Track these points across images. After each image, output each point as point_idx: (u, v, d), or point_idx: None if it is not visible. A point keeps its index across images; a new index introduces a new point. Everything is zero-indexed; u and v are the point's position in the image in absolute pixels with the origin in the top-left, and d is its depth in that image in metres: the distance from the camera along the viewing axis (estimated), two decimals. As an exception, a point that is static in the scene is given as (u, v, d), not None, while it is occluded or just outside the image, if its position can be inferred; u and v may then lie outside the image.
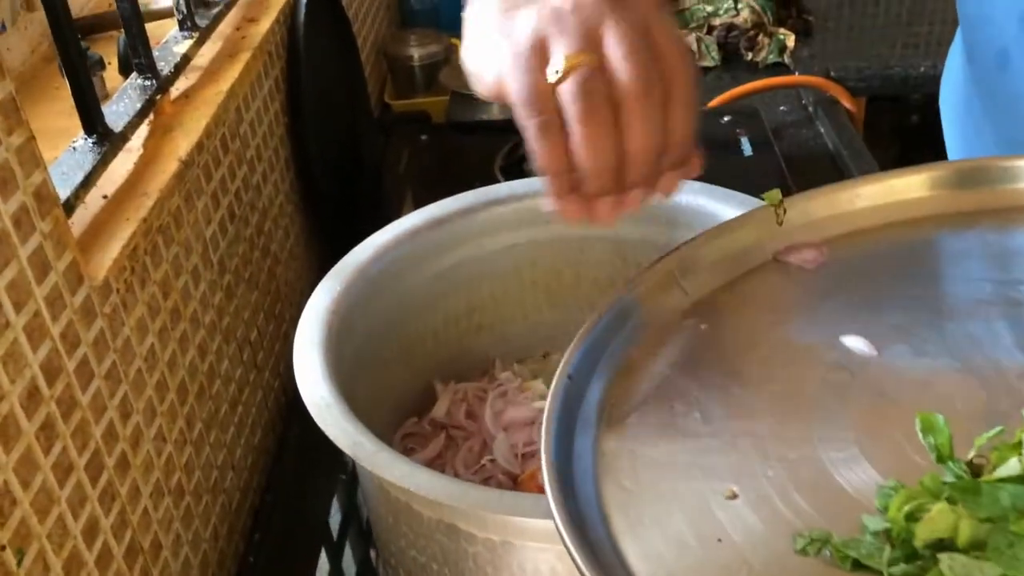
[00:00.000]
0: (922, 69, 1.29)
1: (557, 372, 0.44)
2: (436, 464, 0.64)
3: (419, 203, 0.69)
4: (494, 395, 0.67)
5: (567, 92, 0.43)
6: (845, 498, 0.37)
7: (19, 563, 0.45)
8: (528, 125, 0.44)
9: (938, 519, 0.34)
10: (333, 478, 0.75)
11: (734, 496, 0.38)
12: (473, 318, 0.69)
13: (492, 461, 0.62)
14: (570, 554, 0.36)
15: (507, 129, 1.13)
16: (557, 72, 0.43)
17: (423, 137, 1.17)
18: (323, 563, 0.69)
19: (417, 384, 0.68)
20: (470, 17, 0.50)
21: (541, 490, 0.58)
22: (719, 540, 0.36)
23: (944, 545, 0.34)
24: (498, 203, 0.67)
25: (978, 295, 0.46)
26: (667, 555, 0.36)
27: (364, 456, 0.46)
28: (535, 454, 0.62)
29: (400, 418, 0.68)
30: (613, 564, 0.36)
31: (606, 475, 0.40)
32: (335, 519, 0.72)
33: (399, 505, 0.49)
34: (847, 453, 0.39)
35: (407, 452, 0.65)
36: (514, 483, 0.61)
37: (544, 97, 0.43)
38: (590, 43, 0.43)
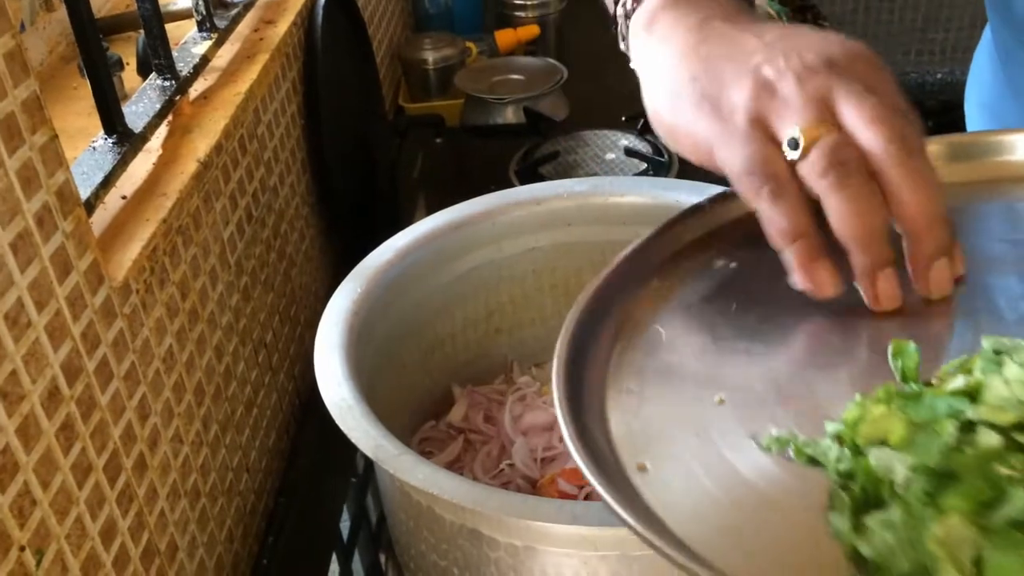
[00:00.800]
0: (938, 75, 1.29)
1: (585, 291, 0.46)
2: (454, 468, 0.63)
3: (433, 206, 0.69)
4: (512, 399, 0.66)
5: (814, 165, 0.39)
6: (821, 412, 0.39)
7: (38, 564, 0.44)
8: (757, 195, 0.40)
9: (879, 421, 0.37)
10: (345, 481, 0.75)
11: (722, 402, 0.41)
12: (492, 322, 0.69)
13: (511, 466, 0.62)
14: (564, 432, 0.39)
15: (521, 133, 1.14)
16: (796, 148, 0.40)
17: (437, 140, 1.17)
18: (333, 566, 0.69)
19: (435, 387, 0.68)
20: (639, 57, 0.47)
21: (561, 495, 0.58)
22: (697, 435, 0.39)
23: (883, 444, 0.37)
24: (517, 206, 0.67)
25: (991, 253, 0.47)
26: (652, 444, 0.39)
27: (387, 459, 0.46)
28: (554, 459, 0.62)
29: (418, 421, 0.67)
30: (599, 441, 0.39)
31: (612, 380, 0.43)
32: (345, 523, 0.72)
33: (420, 509, 0.49)
34: (836, 380, 0.41)
35: (424, 456, 0.64)
36: (533, 488, 0.61)
37: (773, 163, 0.40)
38: (824, 114, 0.40)
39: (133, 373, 0.54)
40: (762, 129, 0.41)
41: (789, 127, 0.40)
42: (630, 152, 1.03)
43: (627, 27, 0.49)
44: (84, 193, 0.54)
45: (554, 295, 0.70)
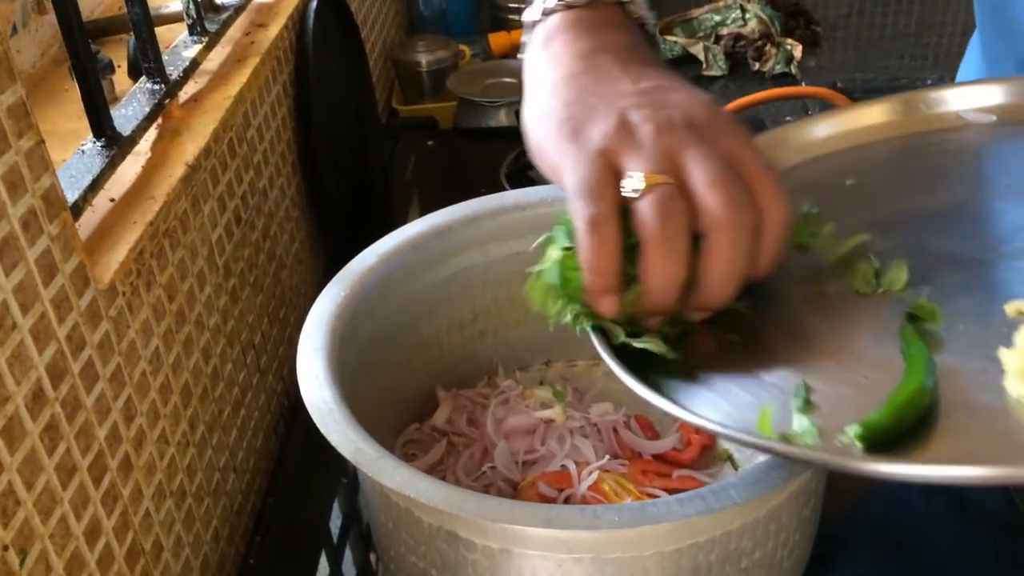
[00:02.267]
0: (929, 82, 1.30)
1: None
2: (437, 471, 0.64)
3: (425, 208, 0.70)
4: (496, 402, 0.67)
5: (648, 207, 0.41)
6: None
7: (22, 563, 0.45)
8: (580, 217, 0.42)
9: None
10: (334, 481, 0.75)
11: None
12: (476, 325, 0.69)
13: (493, 468, 0.62)
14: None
15: (513, 136, 1.14)
16: (636, 190, 0.42)
17: (430, 143, 1.18)
18: (323, 566, 0.69)
19: (419, 390, 0.69)
20: (529, 70, 0.50)
21: (541, 498, 0.59)
22: None
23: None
24: (503, 211, 0.67)
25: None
26: None
27: (365, 462, 0.47)
28: (536, 462, 0.63)
29: (402, 424, 0.68)
30: None
31: None
32: (335, 522, 0.73)
33: (399, 511, 0.49)
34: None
35: (408, 458, 0.65)
36: (514, 490, 0.61)
37: (604, 191, 0.42)
38: (668, 166, 0.42)
39: (119, 375, 0.55)
40: (607, 161, 0.43)
41: (634, 169, 0.42)
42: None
43: (536, 20, 0.52)
44: (72, 196, 0.54)
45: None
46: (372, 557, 0.69)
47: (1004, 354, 0.41)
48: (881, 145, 0.59)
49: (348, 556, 0.71)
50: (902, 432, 0.39)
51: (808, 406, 0.42)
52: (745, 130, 0.45)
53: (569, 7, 0.51)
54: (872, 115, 0.60)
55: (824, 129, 0.59)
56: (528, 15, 0.53)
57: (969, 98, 0.59)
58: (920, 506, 0.67)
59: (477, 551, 0.46)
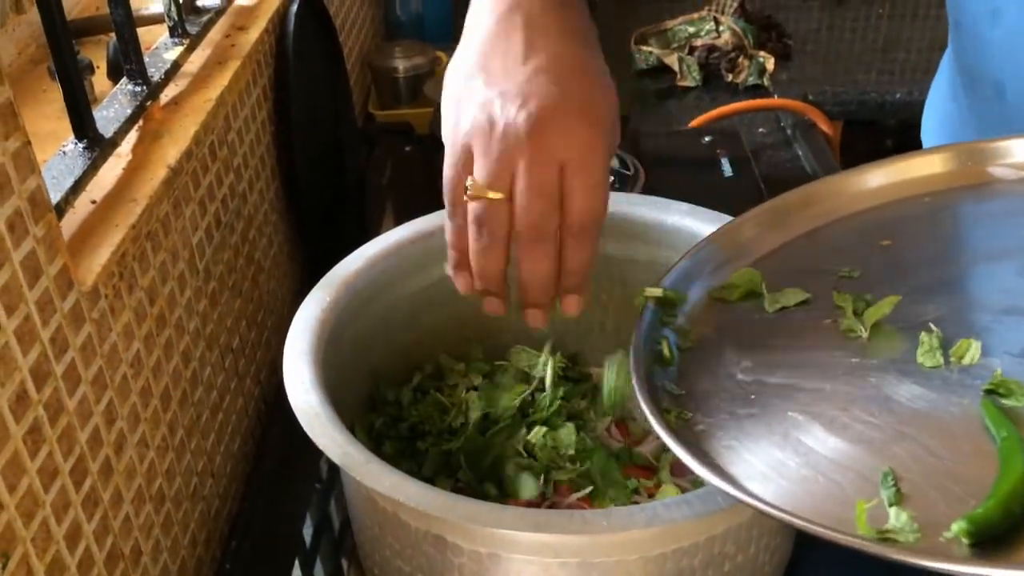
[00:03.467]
0: (898, 96, 1.32)
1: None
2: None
3: (401, 213, 0.70)
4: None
5: (470, 214, 0.49)
6: None
7: (3, 567, 0.44)
8: (446, 207, 0.52)
9: None
10: (308, 487, 0.75)
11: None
12: (459, 331, 0.70)
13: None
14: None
15: (491, 143, 1.14)
16: (467, 191, 0.49)
17: (407, 148, 1.17)
18: (296, 572, 0.69)
19: (402, 395, 0.69)
20: (463, 37, 0.53)
21: (526, 502, 0.59)
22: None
23: None
24: (486, 218, 0.67)
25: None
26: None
27: (353, 466, 0.47)
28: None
29: (384, 429, 0.68)
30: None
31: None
32: (308, 528, 0.72)
33: (386, 515, 0.49)
34: None
35: (390, 463, 0.65)
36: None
37: (457, 192, 0.50)
38: (500, 177, 0.48)
39: (100, 378, 0.54)
40: (468, 158, 0.49)
41: (476, 174, 0.49)
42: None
43: None
44: (54, 198, 0.54)
45: (520, 306, 0.70)
46: (344, 563, 0.69)
47: None
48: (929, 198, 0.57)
49: (319, 563, 0.71)
50: (1011, 526, 0.37)
51: (899, 496, 0.40)
52: (600, 132, 0.49)
53: None
54: (929, 165, 0.58)
55: (876, 179, 0.58)
56: None
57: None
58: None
59: (464, 555, 0.47)
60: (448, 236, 0.52)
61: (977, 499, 0.38)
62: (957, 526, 0.37)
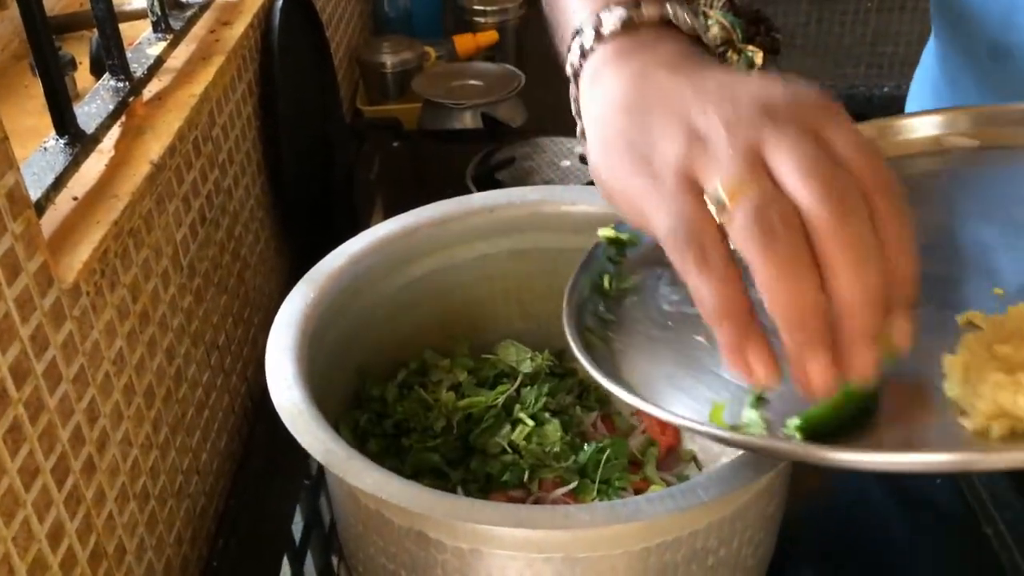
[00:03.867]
0: (886, 89, 1.33)
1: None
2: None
3: (390, 209, 0.70)
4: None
5: (738, 227, 0.35)
6: None
7: (-17, 567, 0.44)
8: (682, 262, 0.37)
9: None
10: (297, 483, 0.75)
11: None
12: (444, 328, 0.70)
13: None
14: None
15: (478, 138, 1.15)
16: (718, 205, 0.36)
17: (395, 144, 1.17)
18: (285, 569, 0.69)
19: (387, 391, 0.69)
20: (585, 112, 0.46)
21: (509, 497, 0.59)
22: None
23: None
24: (471, 213, 0.67)
25: None
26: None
27: (336, 463, 0.47)
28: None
29: (369, 425, 0.68)
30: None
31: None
32: (297, 525, 0.72)
33: (369, 513, 0.49)
34: None
35: (375, 459, 0.65)
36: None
37: (699, 226, 0.36)
38: (752, 167, 0.36)
39: (82, 375, 0.54)
40: (691, 186, 0.37)
41: (715, 183, 0.36)
42: (585, 160, 1.04)
43: (580, 64, 0.47)
44: (35, 194, 0.53)
45: (506, 301, 0.71)
46: (334, 560, 0.69)
47: (947, 359, 0.43)
48: None
49: (309, 559, 0.71)
50: (841, 425, 0.41)
51: (759, 402, 0.44)
52: (832, 103, 0.38)
53: (609, 36, 0.45)
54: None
55: None
56: (570, 63, 0.48)
57: (946, 124, 0.59)
58: (878, 507, 0.69)
59: (447, 551, 0.47)
60: (709, 299, 0.36)
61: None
62: (792, 422, 0.41)
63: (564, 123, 1.13)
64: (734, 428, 0.44)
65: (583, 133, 0.47)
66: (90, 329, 0.55)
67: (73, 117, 0.60)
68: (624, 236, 0.58)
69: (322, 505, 0.73)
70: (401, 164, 1.17)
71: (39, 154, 0.58)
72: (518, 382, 0.66)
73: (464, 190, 0.99)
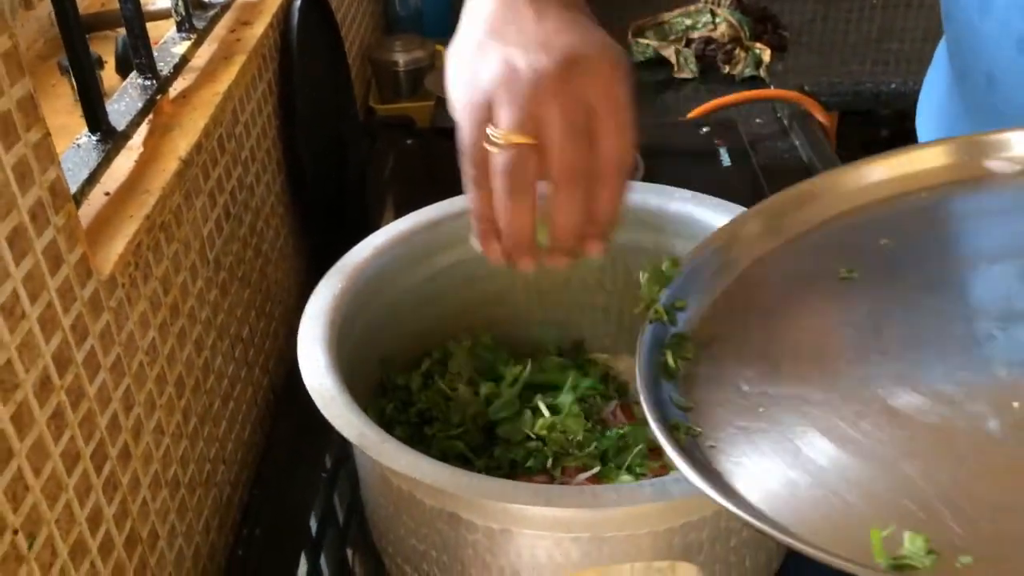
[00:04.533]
0: (892, 86, 1.33)
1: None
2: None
3: (402, 206, 0.71)
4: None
5: (497, 165, 0.47)
6: None
7: (30, 547, 0.46)
8: (464, 172, 0.50)
9: None
10: (315, 476, 0.76)
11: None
12: (465, 318, 0.71)
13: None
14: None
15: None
16: (494, 142, 0.47)
17: (408, 141, 1.18)
18: (302, 561, 0.70)
19: (411, 381, 0.70)
20: (462, 24, 0.53)
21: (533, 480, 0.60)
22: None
23: None
24: (492, 206, 0.69)
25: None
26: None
27: (370, 446, 0.48)
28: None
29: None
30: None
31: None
32: (314, 519, 0.73)
33: (401, 494, 0.51)
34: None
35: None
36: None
37: (480, 154, 0.48)
38: (529, 123, 0.47)
39: (119, 365, 0.55)
40: (488, 113, 0.48)
41: (502, 122, 0.47)
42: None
43: None
44: (71, 189, 0.55)
45: (527, 291, 0.72)
46: (348, 553, 0.70)
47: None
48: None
49: (323, 554, 0.72)
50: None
51: (911, 520, 0.39)
52: (622, 76, 0.49)
53: None
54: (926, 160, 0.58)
55: (873, 175, 0.57)
56: None
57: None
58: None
59: (478, 531, 0.48)
60: (473, 205, 0.51)
61: (990, 519, 0.38)
62: (964, 559, 0.37)
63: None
64: (899, 562, 0.38)
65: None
66: (125, 320, 0.57)
67: (105, 114, 0.62)
68: (664, 268, 0.55)
69: (336, 500, 0.74)
70: (414, 162, 1.18)
71: (73, 150, 0.60)
72: (527, 370, 0.67)
73: (478, 186, 1.00)
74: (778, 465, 0.43)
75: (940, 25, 0.76)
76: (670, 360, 0.51)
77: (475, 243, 0.52)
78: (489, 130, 0.48)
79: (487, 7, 0.52)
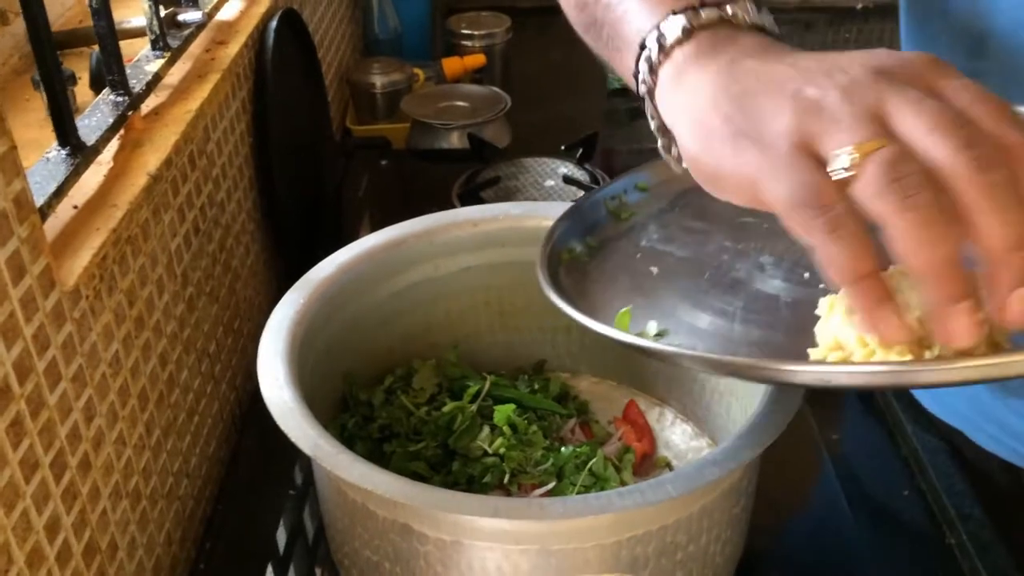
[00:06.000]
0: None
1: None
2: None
3: (376, 226, 0.72)
4: (445, 409, 0.69)
5: (869, 185, 0.34)
6: None
7: (-16, 554, 0.46)
8: (809, 230, 0.36)
9: None
10: (282, 494, 0.76)
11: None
12: (429, 336, 0.72)
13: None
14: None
15: (465, 158, 1.18)
16: (846, 168, 0.35)
17: (383, 162, 1.20)
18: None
19: (372, 396, 0.71)
20: (669, 112, 0.45)
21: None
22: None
23: None
24: (455, 227, 0.70)
25: None
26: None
27: (324, 457, 0.49)
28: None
29: (354, 429, 0.70)
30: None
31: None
32: (281, 535, 0.74)
33: (355, 506, 0.51)
34: None
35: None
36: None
37: (828, 192, 0.35)
38: (878, 128, 0.35)
39: (80, 375, 0.56)
40: (809, 154, 0.37)
41: (838, 146, 0.36)
42: (568, 180, 1.08)
43: (652, 81, 0.47)
44: (38, 201, 0.56)
45: (488, 311, 0.73)
46: (317, 571, 0.70)
47: (822, 300, 0.44)
48: None
49: (292, 569, 0.72)
50: None
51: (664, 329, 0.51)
52: (944, 62, 0.37)
53: (675, 44, 0.45)
54: None
55: None
56: (638, 64, 0.48)
57: None
58: (846, 517, 0.71)
59: (429, 543, 0.49)
60: (842, 262, 0.35)
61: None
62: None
63: (548, 144, 1.17)
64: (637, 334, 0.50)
65: (665, 147, 0.48)
66: (88, 331, 0.58)
67: (75, 129, 0.63)
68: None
69: (306, 516, 0.75)
70: (389, 182, 1.19)
71: (42, 163, 0.61)
72: (487, 385, 0.68)
73: (450, 207, 1.01)
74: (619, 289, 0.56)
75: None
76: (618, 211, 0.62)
77: (861, 325, 0.37)
78: (834, 157, 0.36)
79: (707, 88, 0.43)
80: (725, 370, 0.46)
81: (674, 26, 0.46)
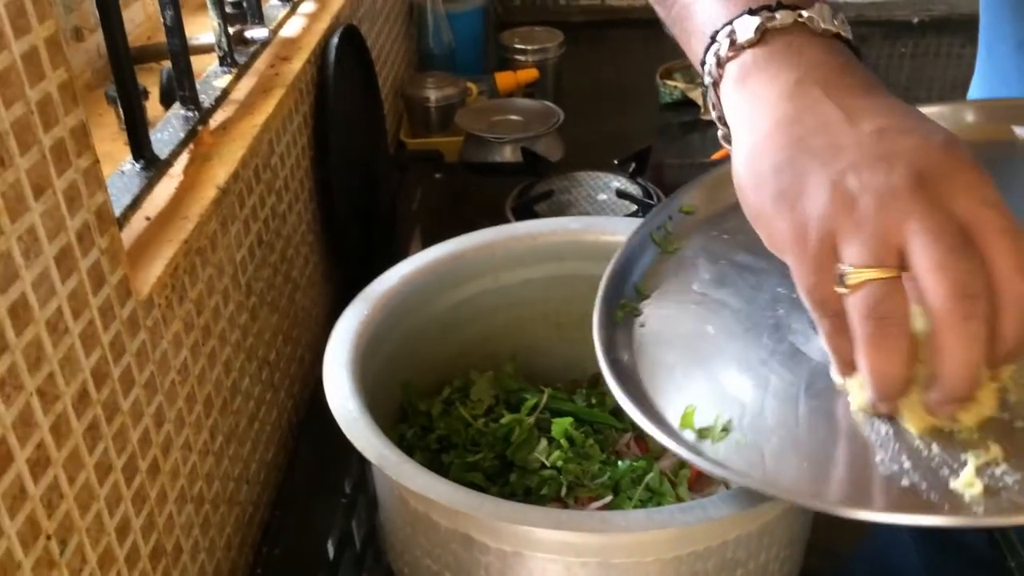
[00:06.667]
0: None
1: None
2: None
3: (429, 239, 0.73)
4: (503, 420, 0.70)
5: (856, 308, 0.40)
6: None
7: (61, 553, 0.48)
8: (819, 323, 0.43)
9: None
10: (335, 500, 0.78)
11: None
12: (487, 347, 0.73)
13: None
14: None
15: (518, 171, 1.19)
16: (843, 283, 0.40)
17: (437, 175, 1.21)
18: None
19: (432, 407, 0.72)
20: (732, 113, 0.47)
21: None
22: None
23: None
24: (515, 240, 0.71)
25: None
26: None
27: (389, 467, 0.50)
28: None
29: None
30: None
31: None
32: (331, 542, 0.75)
33: (417, 515, 0.52)
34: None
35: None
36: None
37: (833, 300, 0.41)
38: (886, 251, 0.39)
39: (152, 382, 0.58)
40: (830, 251, 0.41)
41: (850, 257, 0.40)
42: (621, 194, 1.08)
43: (719, 74, 0.48)
44: (115, 213, 0.58)
45: (546, 324, 0.74)
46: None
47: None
48: None
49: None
50: None
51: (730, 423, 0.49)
52: (986, 178, 0.41)
53: (745, 44, 0.47)
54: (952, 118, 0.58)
55: None
56: (707, 54, 0.49)
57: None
58: (907, 544, 0.70)
59: (491, 554, 0.49)
60: (837, 363, 0.45)
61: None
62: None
63: (601, 158, 1.17)
64: (699, 432, 0.49)
65: (725, 137, 0.50)
66: (160, 339, 0.59)
67: (149, 143, 0.65)
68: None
69: (354, 526, 0.76)
70: (442, 195, 1.21)
71: (117, 176, 0.63)
72: (545, 398, 0.69)
73: (503, 222, 1.02)
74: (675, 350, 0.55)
75: (970, 72, 0.76)
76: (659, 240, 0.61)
77: (836, 378, 0.47)
78: (839, 269, 0.41)
79: (773, 109, 0.44)
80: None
81: (748, 26, 0.46)
